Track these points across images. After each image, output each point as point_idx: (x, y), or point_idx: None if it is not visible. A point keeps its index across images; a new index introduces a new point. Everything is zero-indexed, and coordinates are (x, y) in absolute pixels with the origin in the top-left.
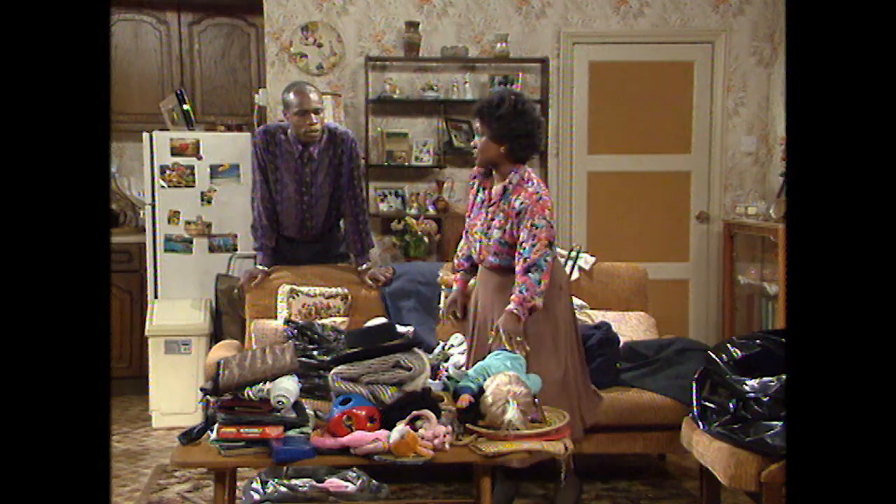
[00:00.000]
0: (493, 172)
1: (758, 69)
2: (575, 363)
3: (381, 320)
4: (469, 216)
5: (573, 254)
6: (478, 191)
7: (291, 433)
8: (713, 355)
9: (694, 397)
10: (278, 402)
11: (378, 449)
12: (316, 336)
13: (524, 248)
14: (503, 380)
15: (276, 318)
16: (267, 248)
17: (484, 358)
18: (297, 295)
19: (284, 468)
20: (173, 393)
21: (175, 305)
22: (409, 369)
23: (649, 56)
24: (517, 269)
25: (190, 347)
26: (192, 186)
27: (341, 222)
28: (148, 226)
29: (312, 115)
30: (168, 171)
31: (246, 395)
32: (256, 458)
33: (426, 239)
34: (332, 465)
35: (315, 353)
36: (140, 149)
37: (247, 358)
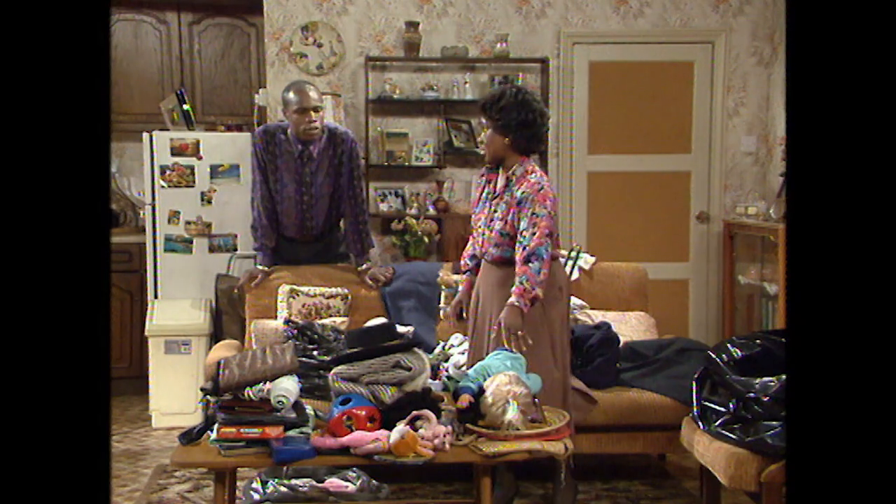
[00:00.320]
0: (500, 167)
1: (758, 69)
2: (567, 365)
3: (381, 320)
4: (474, 213)
5: (573, 254)
6: (484, 186)
7: (291, 433)
8: (713, 355)
9: (694, 397)
10: (278, 402)
11: (378, 449)
12: (316, 336)
13: (524, 237)
14: (503, 380)
15: (276, 318)
16: (267, 248)
17: (482, 350)
18: (297, 295)
19: (284, 468)
20: (173, 393)
21: (175, 305)
22: (409, 369)
23: (649, 56)
24: (517, 258)
25: (190, 347)
26: (192, 186)
27: (341, 222)
28: (148, 226)
29: (312, 113)
30: (168, 171)
31: (246, 395)
32: (256, 458)
33: (426, 239)
34: (332, 465)
35: (315, 353)
36: (140, 149)
37: (247, 358)
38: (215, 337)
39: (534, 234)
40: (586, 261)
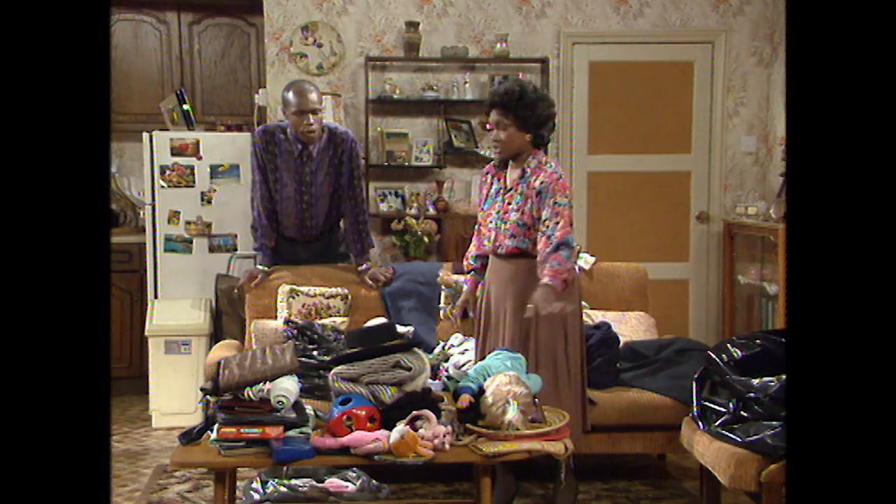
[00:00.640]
0: (510, 162)
1: (758, 69)
2: (579, 368)
3: (381, 320)
4: (481, 211)
5: None
6: (491, 183)
7: (291, 433)
8: (713, 355)
9: (694, 397)
10: (278, 402)
11: (378, 449)
12: (316, 336)
13: (548, 227)
14: (503, 380)
15: (276, 318)
16: (267, 248)
17: (497, 345)
18: (297, 295)
19: (284, 468)
20: (173, 393)
21: (175, 305)
22: (409, 369)
23: (649, 56)
24: (544, 250)
25: (190, 347)
26: (192, 186)
27: (341, 222)
28: (148, 226)
29: (310, 116)
30: (168, 171)
31: (246, 395)
32: (256, 458)
33: (426, 239)
34: (332, 465)
35: (315, 353)
36: (140, 149)
37: (247, 358)
38: (215, 337)
39: (558, 223)
40: (586, 261)
